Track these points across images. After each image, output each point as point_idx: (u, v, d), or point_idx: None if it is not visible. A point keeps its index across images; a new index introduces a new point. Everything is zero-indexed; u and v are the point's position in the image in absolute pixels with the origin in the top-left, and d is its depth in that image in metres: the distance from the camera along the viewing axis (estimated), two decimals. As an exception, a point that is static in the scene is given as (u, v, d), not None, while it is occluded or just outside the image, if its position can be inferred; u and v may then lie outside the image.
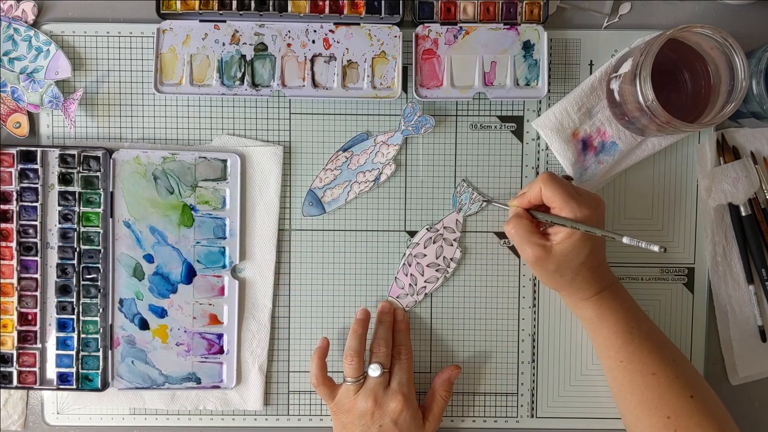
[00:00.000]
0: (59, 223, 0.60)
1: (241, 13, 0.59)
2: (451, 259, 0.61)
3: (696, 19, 0.62)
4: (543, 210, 0.56)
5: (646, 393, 0.53)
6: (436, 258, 0.61)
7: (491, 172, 0.62)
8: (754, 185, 0.61)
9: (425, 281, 0.61)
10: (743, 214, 0.61)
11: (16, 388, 0.60)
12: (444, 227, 0.61)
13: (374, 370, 0.57)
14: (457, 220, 0.61)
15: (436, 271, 0.61)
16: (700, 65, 0.56)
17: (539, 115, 0.61)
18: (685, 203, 0.62)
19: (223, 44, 0.59)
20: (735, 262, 0.62)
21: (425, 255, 0.61)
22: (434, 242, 0.61)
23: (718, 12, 0.62)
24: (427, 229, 0.62)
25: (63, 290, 0.60)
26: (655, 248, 0.48)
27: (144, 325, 0.61)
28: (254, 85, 0.59)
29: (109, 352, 0.61)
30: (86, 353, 0.60)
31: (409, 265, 0.62)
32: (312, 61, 0.59)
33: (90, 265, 0.60)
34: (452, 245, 0.61)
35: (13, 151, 0.59)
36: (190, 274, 0.61)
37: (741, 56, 0.52)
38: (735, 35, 0.52)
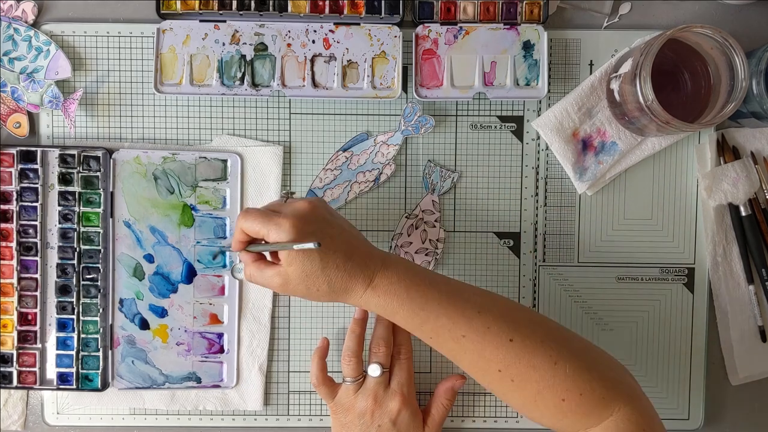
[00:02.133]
0: (59, 223, 0.60)
1: (241, 13, 0.59)
2: (437, 240, 0.61)
3: (696, 19, 0.62)
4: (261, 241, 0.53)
5: (468, 356, 0.50)
6: (422, 243, 0.61)
7: (491, 172, 0.62)
8: (754, 185, 0.61)
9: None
10: (743, 214, 0.61)
11: (16, 388, 0.60)
12: (422, 211, 0.61)
13: (374, 370, 0.57)
14: (433, 200, 0.61)
15: (426, 255, 0.61)
16: (700, 65, 0.56)
17: (539, 115, 0.61)
18: (685, 203, 0.62)
19: (223, 44, 0.59)
20: (735, 262, 0.62)
21: (411, 243, 0.61)
22: (416, 228, 0.61)
23: (718, 12, 0.62)
24: (406, 217, 0.61)
25: (63, 290, 0.60)
26: (310, 245, 0.46)
27: (144, 324, 0.61)
28: (254, 85, 0.59)
29: (109, 352, 0.61)
30: (86, 353, 0.60)
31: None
32: (312, 61, 0.59)
33: (90, 265, 0.60)
34: (435, 226, 0.61)
35: (13, 151, 0.59)
36: (190, 274, 0.61)
37: (741, 56, 0.52)
38: (735, 35, 0.52)
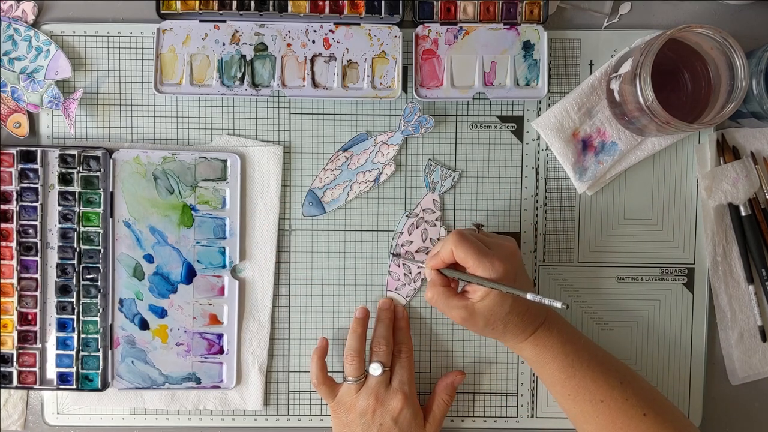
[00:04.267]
0: (59, 223, 0.60)
1: (241, 13, 0.59)
2: (438, 238, 0.61)
3: (696, 19, 0.62)
4: (457, 267, 0.54)
5: (599, 420, 0.53)
6: (423, 241, 0.61)
7: (491, 172, 0.62)
8: (754, 185, 0.61)
9: (418, 267, 0.61)
10: (743, 214, 0.61)
11: (16, 388, 0.60)
12: (423, 209, 0.61)
13: (375, 369, 0.57)
14: (434, 199, 0.61)
15: (426, 254, 0.61)
16: (700, 65, 0.56)
17: (539, 115, 0.61)
18: (685, 203, 0.62)
19: (223, 44, 0.59)
20: (735, 262, 0.62)
21: (412, 241, 0.61)
22: (417, 226, 0.61)
23: (718, 12, 0.62)
24: (407, 216, 0.62)
25: (63, 290, 0.60)
26: (558, 305, 0.48)
27: (144, 325, 0.61)
28: (254, 85, 0.59)
29: (109, 352, 0.61)
30: (86, 353, 0.60)
31: (399, 256, 0.62)
32: (312, 61, 0.59)
33: (90, 265, 0.60)
34: (435, 225, 0.61)
35: (13, 151, 0.59)
36: (190, 274, 0.61)
37: (741, 56, 0.52)
38: (735, 35, 0.52)
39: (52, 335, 0.60)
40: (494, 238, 0.55)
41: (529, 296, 0.49)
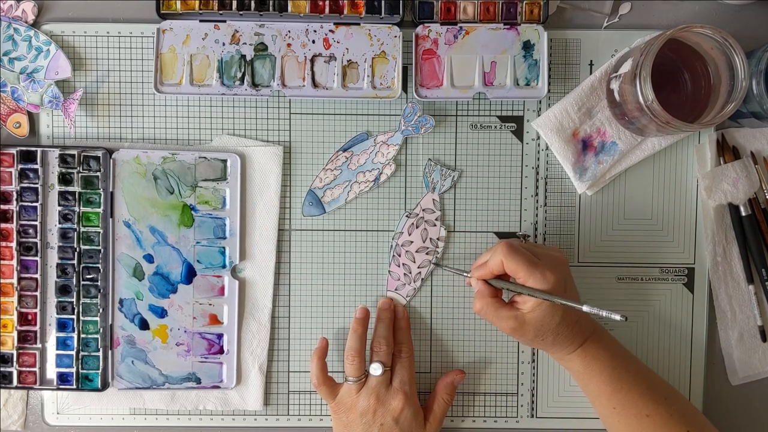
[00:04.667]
0: (59, 223, 0.60)
1: (241, 13, 0.59)
2: (438, 239, 0.61)
3: (696, 19, 0.62)
4: (504, 277, 0.55)
5: None
6: (423, 241, 0.61)
7: (491, 172, 0.62)
8: (754, 185, 0.61)
9: (418, 267, 0.62)
10: (743, 214, 0.61)
11: (16, 388, 0.60)
12: (423, 209, 0.61)
13: (376, 369, 0.57)
14: (433, 199, 0.61)
15: (426, 254, 0.62)
16: (700, 65, 0.56)
17: (539, 115, 0.61)
18: (685, 203, 0.62)
19: (223, 44, 0.59)
20: (735, 262, 0.62)
21: (412, 241, 0.61)
22: (417, 226, 0.61)
23: (718, 12, 0.62)
24: (407, 216, 0.62)
25: (63, 290, 0.60)
26: (617, 317, 0.47)
27: (144, 325, 0.61)
28: (254, 85, 0.59)
29: (109, 352, 0.61)
30: (86, 353, 0.60)
31: (399, 255, 0.62)
32: (312, 61, 0.59)
33: (90, 265, 0.60)
34: (435, 225, 0.61)
35: (13, 151, 0.59)
36: (190, 274, 0.61)
37: (741, 56, 0.52)
38: (735, 35, 0.52)
39: (52, 335, 0.60)
40: (542, 248, 0.56)
41: (585, 308, 0.49)
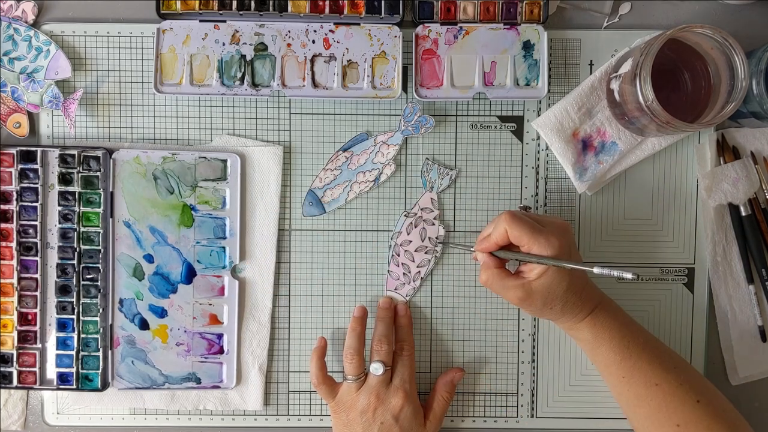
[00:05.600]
0: (59, 223, 0.60)
1: (241, 13, 0.59)
2: (436, 237, 0.61)
3: (696, 19, 0.62)
4: (510, 247, 0.55)
5: (653, 404, 0.53)
6: (422, 241, 0.61)
7: (491, 172, 0.62)
8: (754, 185, 0.61)
9: (418, 266, 0.62)
10: (743, 214, 0.61)
11: (16, 388, 0.60)
12: (421, 209, 0.61)
13: (377, 369, 0.57)
14: (431, 198, 0.61)
15: (426, 253, 0.62)
16: (700, 65, 0.56)
17: (539, 115, 0.61)
18: (685, 203, 0.62)
19: (223, 44, 0.59)
20: (735, 262, 0.62)
21: (410, 241, 0.62)
22: (415, 226, 0.61)
23: (718, 12, 0.62)
24: (405, 215, 0.62)
25: (63, 290, 0.60)
26: (629, 276, 0.47)
27: (144, 325, 0.61)
28: (254, 85, 0.59)
29: (109, 352, 0.61)
30: (86, 353, 0.60)
31: (398, 255, 0.62)
32: (312, 61, 0.59)
33: (90, 265, 0.60)
34: (434, 224, 0.61)
35: (13, 151, 0.59)
36: (190, 274, 0.61)
37: (741, 56, 0.52)
38: (735, 35, 0.52)
39: (52, 335, 0.60)
40: (544, 216, 0.55)
41: (596, 269, 0.48)
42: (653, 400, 0.53)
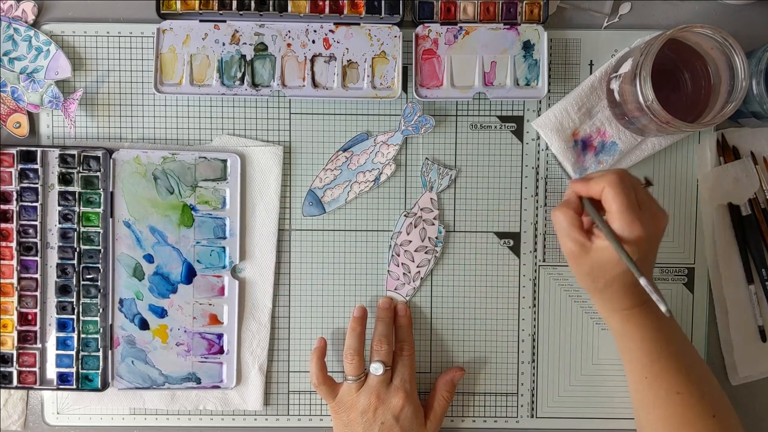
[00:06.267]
0: (59, 223, 0.60)
1: (241, 13, 0.59)
2: (436, 238, 0.61)
3: (696, 19, 0.62)
4: (600, 204, 0.51)
5: (669, 410, 0.52)
6: (422, 241, 0.61)
7: (491, 172, 0.62)
8: (754, 185, 0.61)
9: (417, 266, 0.62)
10: (743, 214, 0.61)
11: (16, 388, 0.60)
12: (420, 209, 0.61)
13: (377, 369, 0.57)
14: (431, 198, 0.61)
15: (425, 253, 0.62)
16: (700, 65, 0.56)
17: (539, 115, 0.61)
18: (685, 203, 0.62)
19: (223, 44, 0.59)
20: (735, 262, 0.62)
21: (410, 241, 0.62)
22: (415, 226, 0.61)
23: (718, 12, 0.62)
24: (405, 215, 0.62)
25: (63, 290, 0.60)
26: (663, 307, 0.46)
27: (144, 325, 0.61)
28: (254, 85, 0.59)
29: (109, 352, 0.61)
30: (86, 353, 0.60)
31: (398, 255, 0.62)
32: (312, 61, 0.59)
33: (90, 265, 0.60)
34: (434, 224, 0.61)
35: (13, 151, 0.59)
36: (190, 274, 0.61)
37: (741, 56, 0.52)
38: (735, 35, 0.52)
39: (52, 335, 0.60)
40: (651, 202, 0.50)
41: (642, 281, 0.47)
42: (671, 407, 0.52)
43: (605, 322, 0.56)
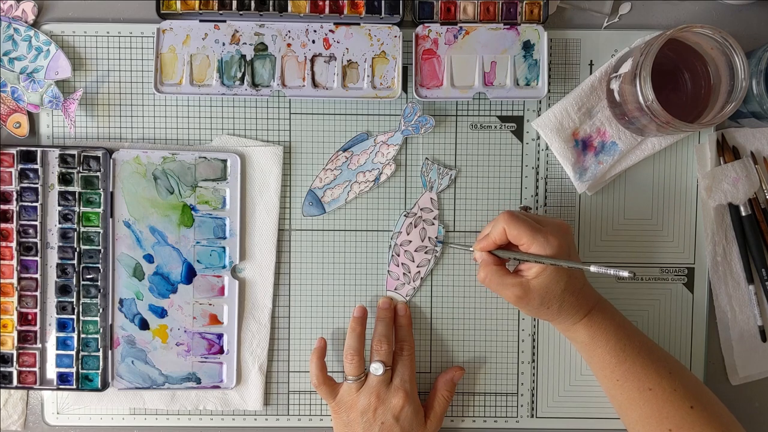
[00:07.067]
0: (59, 223, 0.60)
1: (241, 13, 0.59)
2: (436, 237, 0.61)
3: (696, 19, 0.62)
4: (509, 247, 0.55)
5: (645, 408, 0.53)
6: (422, 241, 0.61)
7: (491, 172, 0.62)
8: (754, 185, 0.61)
9: (417, 266, 0.62)
10: (743, 214, 0.61)
11: (16, 388, 0.60)
12: (420, 209, 0.61)
13: (377, 369, 0.57)
14: (431, 198, 0.61)
15: (425, 253, 0.62)
16: (700, 65, 0.56)
17: (539, 115, 0.61)
18: (685, 203, 0.62)
19: (223, 44, 0.59)
20: (735, 262, 0.62)
21: (410, 241, 0.62)
22: (415, 226, 0.61)
23: (718, 12, 0.62)
24: (405, 215, 0.62)
25: (63, 290, 0.60)
26: (625, 274, 0.47)
27: (144, 325, 0.61)
28: (254, 85, 0.59)
29: (109, 352, 0.61)
30: (86, 353, 0.60)
31: (398, 255, 0.62)
32: (312, 61, 0.59)
33: (90, 265, 0.60)
34: (434, 224, 0.61)
35: (13, 151, 0.59)
36: (190, 274, 0.61)
37: (741, 56, 0.52)
38: (735, 35, 0.52)
39: (52, 335, 0.60)
40: (544, 217, 0.55)
41: (593, 268, 0.48)
42: (646, 404, 0.53)
43: (572, 341, 0.57)
